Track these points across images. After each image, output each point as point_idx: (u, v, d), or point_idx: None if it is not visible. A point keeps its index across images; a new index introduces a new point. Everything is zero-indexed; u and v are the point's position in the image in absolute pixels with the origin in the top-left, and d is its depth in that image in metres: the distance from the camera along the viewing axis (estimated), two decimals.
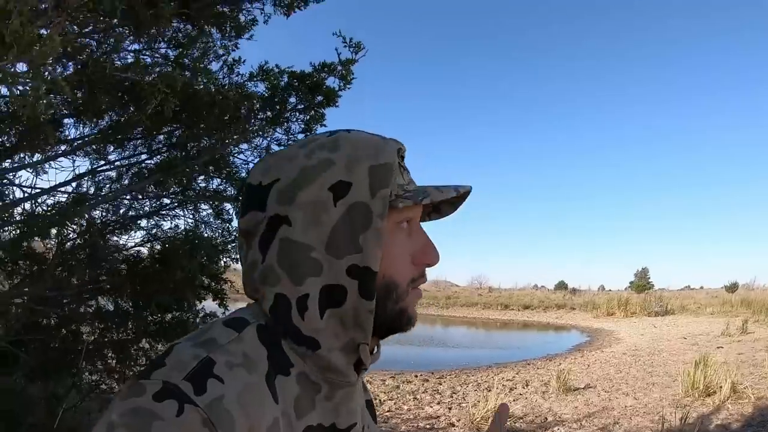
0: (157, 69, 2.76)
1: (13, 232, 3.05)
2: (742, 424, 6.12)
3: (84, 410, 3.70)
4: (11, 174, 3.27)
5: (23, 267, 3.51)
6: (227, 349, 0.65)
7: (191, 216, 4.17)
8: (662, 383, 9.33)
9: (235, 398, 0.60)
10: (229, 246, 4.04)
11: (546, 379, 10.47)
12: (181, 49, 2.96)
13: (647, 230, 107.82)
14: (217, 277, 4.03)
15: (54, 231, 2.90)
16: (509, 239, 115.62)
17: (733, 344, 13.81)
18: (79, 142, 3.48)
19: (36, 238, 3.00)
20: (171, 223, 4.15)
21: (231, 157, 4.03)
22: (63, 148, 3.44)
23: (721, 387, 7.52)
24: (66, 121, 3.48)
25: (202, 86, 3.06)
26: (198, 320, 4.00)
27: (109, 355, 3.90)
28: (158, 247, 3.82)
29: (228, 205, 4.09)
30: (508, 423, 6.96)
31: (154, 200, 4.02)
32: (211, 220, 4.20)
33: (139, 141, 3.83)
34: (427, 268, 0.81)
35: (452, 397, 9.15)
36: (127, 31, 2.72)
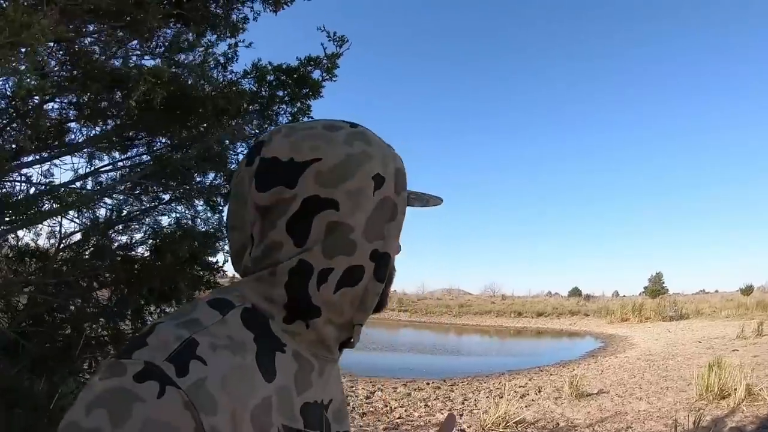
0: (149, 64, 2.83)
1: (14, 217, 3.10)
2: (757, 426, 6.04)
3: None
4: (19, 171, 3.34)
5: (28, 262, 3.59)
6: (210, 330, 0.64)
7: (187, 211, 4.21)
8: (676, 387, 9.23)
9: (218, 380, 0.59)
10: (221, 234, 4.07)
11: (559, 385, 10.40)
12: (171, 47, 3.01)
13: (661, 234, 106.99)
14: (211, 267, 4.07)
15: (52, 221, 2.94)
16: (522, 246, 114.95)
17: (749, 347, 13.66)
18: (82, 140, 3.54)
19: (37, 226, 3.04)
20: (169, 217, 4.21)
21: (224, 151, 4.07)
22: (67, 149, 3.51)
23: (735, 389, 7.42)
24: (71, 125, 3.56)
25: (199, 85, 3.11)
26: None
27: (109, 348, 3.94)
28: (154, 240, 3.87)
29: (221, 199, 4.12)
30: (521, 428, 6.93)
31: (153, 194, 4.07)
32: (208, 215, 4.23)
33: (142, 141, 3.89)
34: None
35: (464, 404, 9.12)
36: (120, 34, 2.77)
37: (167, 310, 3.89)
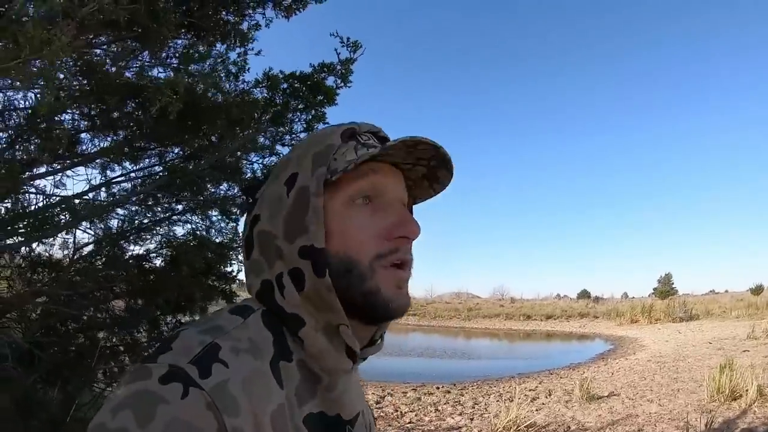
0: (163, 76, 2.86)
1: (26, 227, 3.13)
2: None
3: (97, 408, 3.75)
4: (31, 183, 3.38)
5: (41, 273, 3.62)
6: (232, 334, 0.67)
7: (201, 222, 4.24)
8: (687, 389, 9.19)
9: (239, 383, 0.61)
10: (236, 245, 4.08)
11: (569, 388, 10.36)
12: (184, 58, 3.04)
13: (669, 235, 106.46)
14: (225, 277, 4.08)
15: (66, 233, 2.97)
16: (530, 249, 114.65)
17: (760, 347, 13.57)
18: (94, 151, 3.58)
19: (49, 239, 3.06)
20: (183, 228, 4.22)
21: (238, 161, 4.11)
22: (79, 159, 3.54)
23: (747, 390, 7.39)
24: (83, 135, 3.60)
25: (210, 95, 3.14)
26: None
27: (123, 358, 3.95)
28: (169, 251, 3.88)
29: (236, 209, 4.14)
30: None
31: (166, 205, 4.11)
32: (222, 225, 4.25)
33: (154, 152, 3.93)
34: (405, 243, 0.78)
35: (474, 408, 9.09)
36: (134, 44, 2.80)
37: (183, 319, 3.92)
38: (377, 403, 9.29)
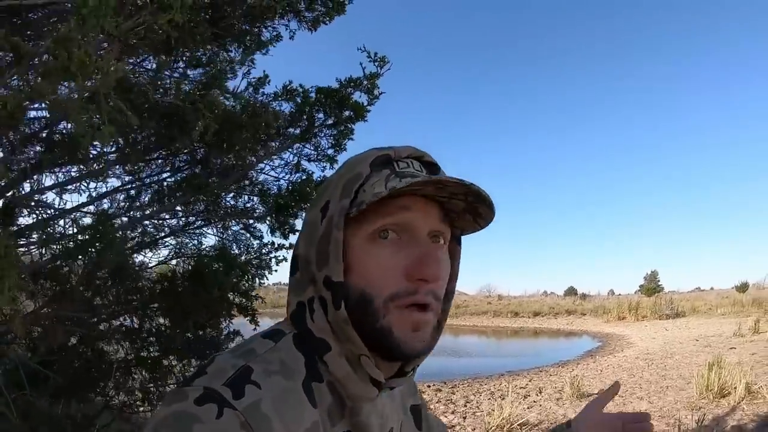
0: (196, 93, 2.83)
1: (53, 251, 3.10)
2: (758, 424, 6.11)
3: (115, 430, 3.71)
4: (36, 195, 3.35)
5: (47, 288, 3.57)
6: (265, 357, 0.69)
7: (219, 234, 4.22)
8: (676, 386, 9.29)
9: (271, 403, 0.63)
10: (263, 262, 4.07)
11: (559, 386, 10.43)
12: (218, 71, 3.02)
13: (655, 233, 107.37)
14: (248, 294, 4.05)
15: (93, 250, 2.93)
16: (517, 247, 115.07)
17: (746, 344, 13.72)
18: (104, 161, 3.55)
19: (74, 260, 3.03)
20: (197, 240, 4.19)
21: (261, 174, 4.11)
22: (84, 167, 3.51)
23: (735, 388, 7.48)
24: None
25: (233, 107, 3.13)
26: (222, 337, 4.01)
27: (140, 374, 3.92)
28: (188, 265, 3.85)
29: (258, 224, 4.14)
30: (525, 431, 6.97)
31: (182, 218, 4.09)
32: (242, 238, 4.24)
33: (161, 161, 3.90)
34: (425, 285, 0.74)
35: (466, 406, 9.13)
36: (164, 57, 2.78)
37: (199, 333, 3.89)
38: None
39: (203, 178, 3.58)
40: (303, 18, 3.62)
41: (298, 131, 3.76)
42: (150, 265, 4.03)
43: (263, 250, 4.13)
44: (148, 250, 3.96)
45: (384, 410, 0.82)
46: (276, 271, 4.06)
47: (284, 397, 0.65)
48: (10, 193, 3.05)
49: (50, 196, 3.56)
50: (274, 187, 4.14)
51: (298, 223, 4.09)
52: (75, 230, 3.17)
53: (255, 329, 3.84)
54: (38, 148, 3.25)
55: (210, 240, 4.05)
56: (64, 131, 3.10)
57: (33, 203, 3.32)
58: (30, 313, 3.45)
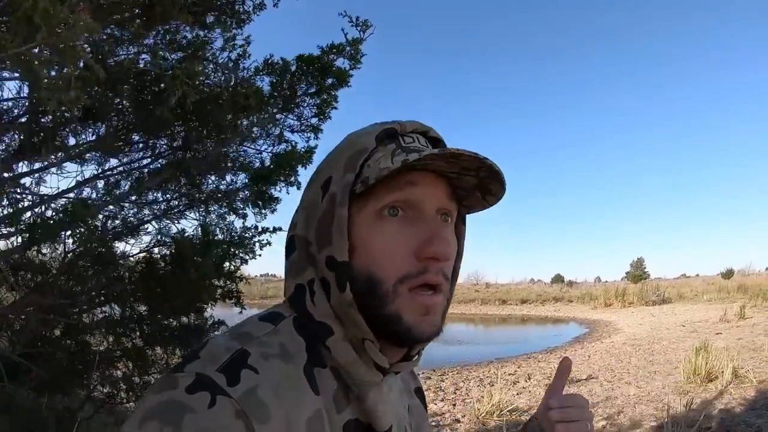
0: (175, 62, 2.74)
1: (19, 238, 3.02)
2: (746, 408, 6.16)
3: (99, 422, 3.65)
4: (13, 181, 3.25)
5: (27, 279, 3.48)
6: (262, 340, 0.65)
7: (202, 218, 4.12)
8: (664, 371, 9.36)
9: (270, 388, 0.59)
10: (244, 241, 3.96)
11: (548, 372, 10.51)
12: (195, 45, 2.94)
13: (641, 220, 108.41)
14: (232, 276, 3.94)
15: (64, 234, 2.84)
16: (504, 234, 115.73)
17: (732, 330, 13.87)
18: (83, 147, 3.46)
19: (43, 244, 2.96)
20: (179, 225, 4.10)
21: (242, 148, 4.01)
22: (64, 154, 3.41)
23: (722, 372, 7.56)
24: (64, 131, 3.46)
25: (212, 82, 3.06)
26: (207, 326, 3.92)
27: (124, 364, 3.85)
28: (169, 250, 3.76)
29: (240, 204, 4.05)
30: (515, 416, 6.99)
31: (162, 203, 3.99)
32: (225, 220, 4.14)
33: (141, 145, 3.79)
34: (435, 264, 0.70)
35: (455, 393, 9.15)
36: (139, 23, 2.69)
37: (183, 320, 3.82)
38: None
39: (182, 159, 3.50)
40: None
41: (280, 101, 3.66)
42: (132, 253, 3.93)
43: (246, 234, 4.02)
44: (130, 236, 3.85)
45: (389, 395, 0.78)
46: (260, 255, 3.96)
47: (283, 382, 0.61)
48: None
49: (27, 181, 3.46)
50: (257, 161, 4.06)
51: (282, 195, 4.01)
52: (50, 215, 3.07)
53: (240, 313, 3.75)
54: (17, 136, 3.15)
55: (192, 224, 3.95)
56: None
57: (11, 190, 3.23)
58: (10, 305, 3.38)
